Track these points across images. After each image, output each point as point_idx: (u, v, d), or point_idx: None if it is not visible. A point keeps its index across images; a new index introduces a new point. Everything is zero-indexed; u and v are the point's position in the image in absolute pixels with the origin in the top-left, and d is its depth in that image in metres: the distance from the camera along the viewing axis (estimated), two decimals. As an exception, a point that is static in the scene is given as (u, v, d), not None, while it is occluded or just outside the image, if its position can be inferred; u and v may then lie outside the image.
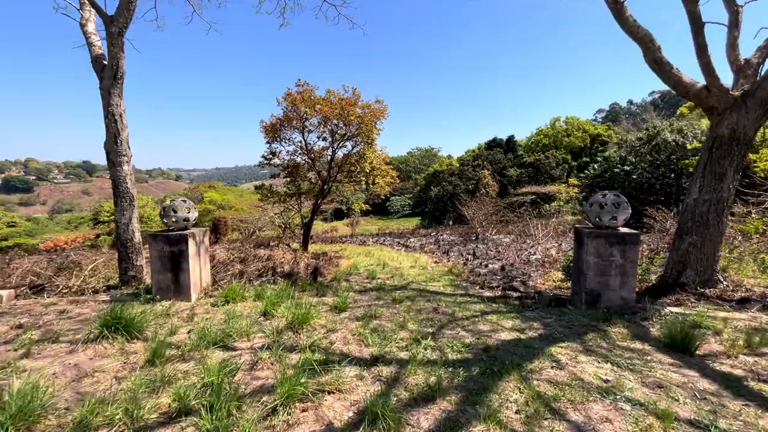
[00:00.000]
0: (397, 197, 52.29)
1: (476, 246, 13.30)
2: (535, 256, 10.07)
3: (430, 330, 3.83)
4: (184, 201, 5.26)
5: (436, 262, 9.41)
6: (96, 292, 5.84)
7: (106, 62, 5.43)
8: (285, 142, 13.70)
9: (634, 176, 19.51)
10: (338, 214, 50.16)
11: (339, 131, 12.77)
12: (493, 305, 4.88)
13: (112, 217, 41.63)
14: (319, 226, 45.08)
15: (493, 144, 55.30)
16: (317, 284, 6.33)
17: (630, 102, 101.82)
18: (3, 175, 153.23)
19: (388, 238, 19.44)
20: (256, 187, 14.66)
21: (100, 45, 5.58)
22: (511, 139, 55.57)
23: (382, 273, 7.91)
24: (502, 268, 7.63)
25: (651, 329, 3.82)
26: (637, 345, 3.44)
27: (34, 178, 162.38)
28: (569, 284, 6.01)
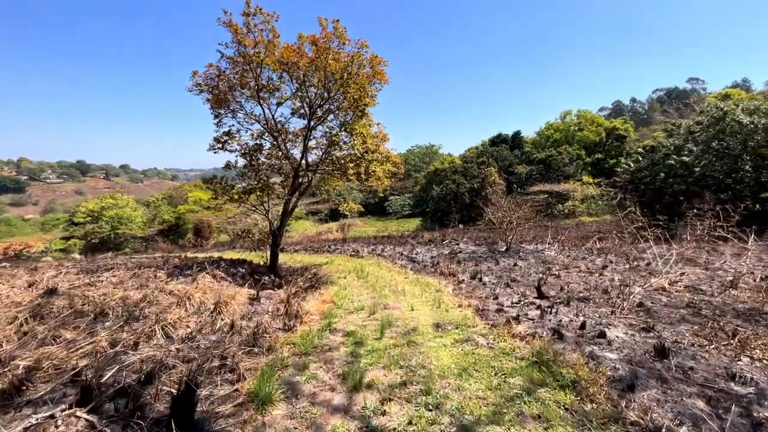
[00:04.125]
0: (396, 196, 48.39)
1: (515, 264, 9.28)
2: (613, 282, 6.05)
3: None
4: None
5: (481, 314, 5.14)
6: None
7: None
8: (243, 117, 9.63)
9: (697, 169, 15.49)
10: (335, 215, 46.03)
11: (315, 96, 8.69)
12: None
13: (89, 218, 36.86)
14: (312, 228, 41.00)
15: (497, 140, 51.28)
16: None
17: (633, 100, 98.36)
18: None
19: (388, 247, 15.40)
20: (205, 181, 10.55)
21: None
22: (517, 134, 51.62)
23: (380, 355, 3.77)
24: (661, 352, 3.30)
25: None
26: None
27: (26, 178, 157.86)
28: None
